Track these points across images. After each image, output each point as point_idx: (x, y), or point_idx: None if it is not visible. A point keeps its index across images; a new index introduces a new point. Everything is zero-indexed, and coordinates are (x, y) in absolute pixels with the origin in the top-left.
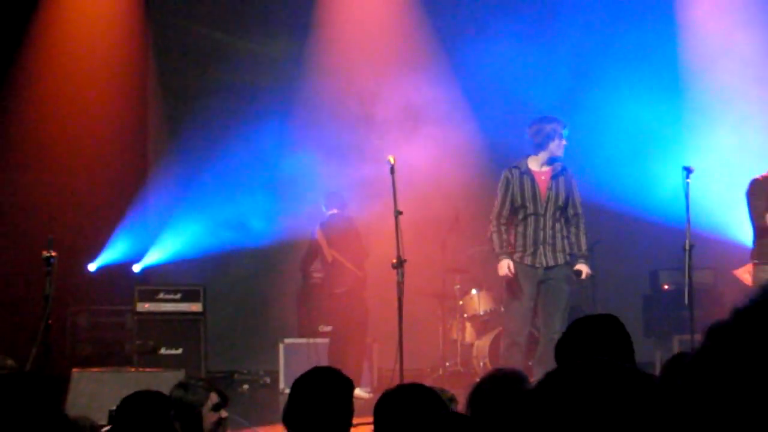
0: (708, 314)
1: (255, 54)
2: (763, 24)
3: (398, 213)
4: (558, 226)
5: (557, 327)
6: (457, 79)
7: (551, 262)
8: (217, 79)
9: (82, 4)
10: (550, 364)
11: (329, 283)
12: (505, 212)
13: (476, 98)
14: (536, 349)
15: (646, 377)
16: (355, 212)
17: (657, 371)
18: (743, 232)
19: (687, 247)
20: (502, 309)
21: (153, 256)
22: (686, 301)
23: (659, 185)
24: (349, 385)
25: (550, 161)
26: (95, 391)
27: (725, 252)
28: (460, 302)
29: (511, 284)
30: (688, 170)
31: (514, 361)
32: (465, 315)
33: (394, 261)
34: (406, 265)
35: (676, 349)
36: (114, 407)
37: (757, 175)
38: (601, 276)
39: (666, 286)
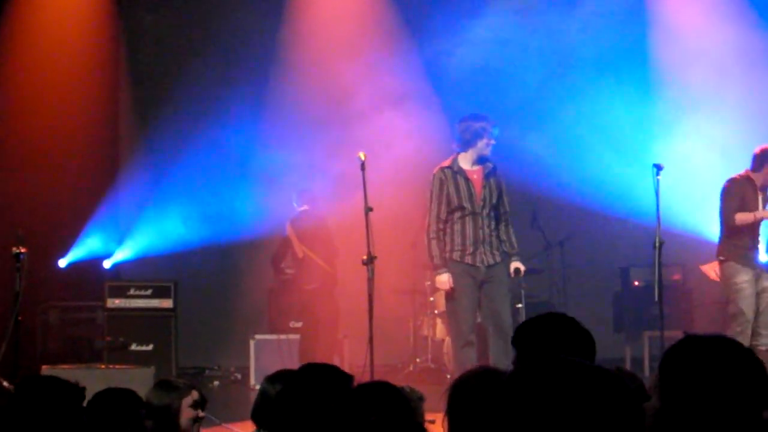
0: (678, 311)
1: (227, 48)
2: (735, 21)
3: (369, 209)
4: (493, 224)
5: (509, 322)
6: (427, 73)
7: (491, 261)
8: (189, 73)
9: None
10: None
11: (300, 280)
12: (443, 215)
13: (448, 92)
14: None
15: (614, 376)
16: (326, 208)
17: (627, 366)
18: (713, 230)
19: (657, 244)
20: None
21: (124, 253)
22: (656, 298)
23: (630, 182)
24: (349, 382)
25: (480, 160)
26: None
27: (695, 249)
28: (431, 299)
29: (454, 286)
30: (658, 167)
31: (471, 360)
32: (436, 311)
33: (365, 257)
34: (378, 262)
35: (646, 345)
36: (84, 404)
37: (734, 174)
38: (573, 272)
39: (636, 283)
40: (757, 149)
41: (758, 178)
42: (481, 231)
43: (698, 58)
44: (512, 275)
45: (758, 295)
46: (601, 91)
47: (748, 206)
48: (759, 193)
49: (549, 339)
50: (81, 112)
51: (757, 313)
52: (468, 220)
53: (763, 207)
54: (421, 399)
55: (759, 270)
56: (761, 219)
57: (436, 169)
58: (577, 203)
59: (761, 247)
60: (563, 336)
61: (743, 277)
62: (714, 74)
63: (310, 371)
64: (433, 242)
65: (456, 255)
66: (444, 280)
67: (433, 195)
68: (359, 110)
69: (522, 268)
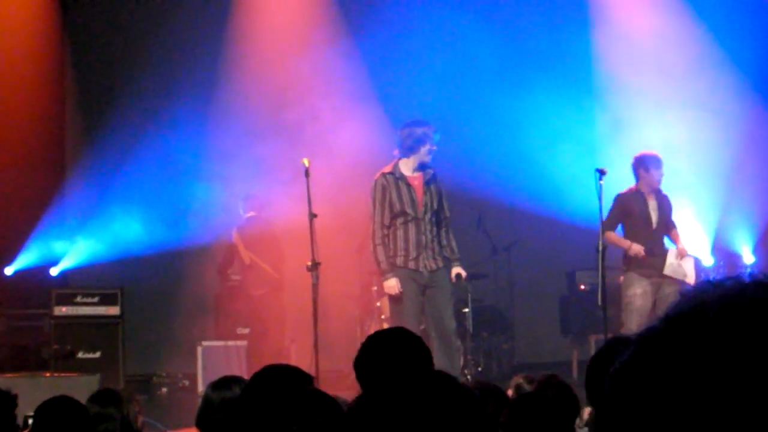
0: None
1: (173, 53)
2: (679, 23)
3: (313, 216)
4: (434, 230)
5: (452, 327)
6: (371, 77)
7: (433, 266)
8: (135, 78)
9: None
10: (455, 365)
11: (247, 285)
12: (386, 220)
13: (392, 96)
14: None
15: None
16: (272, 214)
17: (574, 370)
18: None
19: (600, 248)
20: (383, 317)
21: (70, 260)
22: (599, 302)
23: (575, 186)
24: (309, 383)
25: (421, 167)
26: None
27: None
28: (378, 303)
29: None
30: (600, 172)
31: None
32: (383, 317)
33: (309, 264)
34: (324, 267)
35: (592, 348)
36: (29, 413)
37: (624, 189)
38: (519, 276)
39: (582, 287)
40: (633, 160)
41: (643, 186)
42: (423, 236)
43: (643, 59)
44: (453, 280)
45: (658, 302)
46: (546, 94)
47: (639, 218)
48: (649, 198)
49: (386, 353)
50: (26, 118)
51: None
52: (410, 225)
53: (657, 212)
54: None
55: (659, 278)
56: (628, 251)
57: (377, 175)
58: (523, 207)
59: (700, 249)
60: (398, 347)
61: (636, 290)
62: (658, 76)
63: (271, 372)
64: (379, 248)
65: (399, 260)
66: (392, 284)
67: (376, 201)
68: (304, 115)
69: (463, 273)
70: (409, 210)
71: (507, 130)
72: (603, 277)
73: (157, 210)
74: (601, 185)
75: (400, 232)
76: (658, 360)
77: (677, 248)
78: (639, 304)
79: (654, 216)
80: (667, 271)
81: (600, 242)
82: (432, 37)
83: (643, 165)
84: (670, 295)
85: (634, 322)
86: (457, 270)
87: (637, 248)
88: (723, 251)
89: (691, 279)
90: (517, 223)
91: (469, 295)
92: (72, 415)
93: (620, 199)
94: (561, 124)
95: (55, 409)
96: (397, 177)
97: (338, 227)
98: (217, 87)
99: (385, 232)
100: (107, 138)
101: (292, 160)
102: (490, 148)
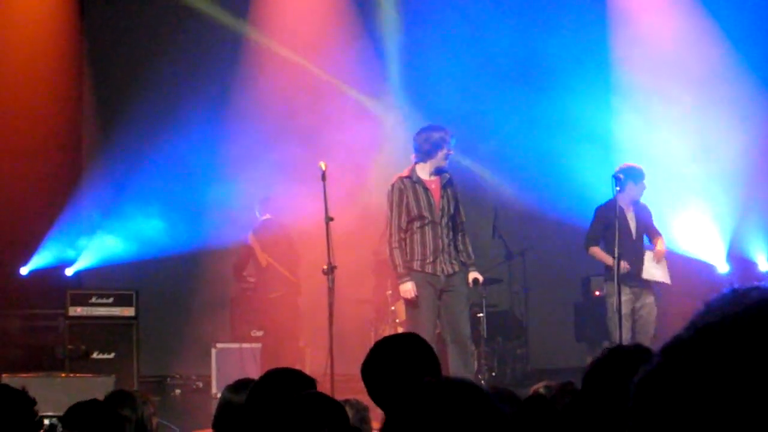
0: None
1: (189, 55)
2: (698, 26)
3: (329, 219)
4: (451, 234)
5: (467, 332)
6: (388, 81)
7: (450, 270)
8: (152, 79)
9: (17, 3)
10: (470, 369)
11: (264, 288)
12: (403, 224)
13: (408, 100)
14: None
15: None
16: (289, 217)
17: None
18: (671, 240)
19: (616, 255)
20: (398, 321)
21: (85, 260)
22: (615, 308)
23: (591, 191)
24: (312, 387)
25: (437, 171)
26: None
27: None
28: (392, 308)
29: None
30: (617, 179)
31: None
32: (397, 320)
33: (325, 267)
34: (339, 271)
35: None
36: (44, 413)
37: (603, 202)
38: (534, 281)
39: (597, 293)
40: (617, 169)
41: (623, 198)
42: (440, 240)
43: (662, 63)
44: (470, 285)
45: (637, 310)
46: (566, 96)
47: (619, 229)
48: (627, 210)
49: (393, 360)
50: (43, 117)
51: (636, 328)
52: (427, 229)
53: (635, 222)
54: (366, 409)
55: (639, 287)
56: (609, 265)
57: (394, 179)
58: (538, 212)
59: (653, 258)
60: (406, 354)
61: (616, 299)
62: (677, 80)
63: (273, 377)
64: (396, 251)
65: (416, 264)
66: (408, 288)
67: (394, 204)
68: (321, 117)
69: (480, 278)
70: (426, 214)
71: (525, 133)
72: (618, 283)
73: (173, 211)
74: (617, 191)
75: (417, 236)
76: (686, 370)
77: (654, 251)
78: (622, 314)
79: (632, 226)
80: (645, 275)
81: (615, 248)
82: (450, 38)
83: (632, 177)
84: (647, 305)
85: (616, 328)
86: (473, 275)
87: (623, 265)
88: (738, 258)
89: (666, 279)
90: (532, 228)
91: (484, 299)
92: (103, 420)
93: (600, 212)
94: (581, 127)
95: (85, 413)
96: (414, 181)
97: (354, 230)
98: (234, 88)
99: (402, 235)
100: (124, 139)
101: (309, 162)
102: (507, 151)
